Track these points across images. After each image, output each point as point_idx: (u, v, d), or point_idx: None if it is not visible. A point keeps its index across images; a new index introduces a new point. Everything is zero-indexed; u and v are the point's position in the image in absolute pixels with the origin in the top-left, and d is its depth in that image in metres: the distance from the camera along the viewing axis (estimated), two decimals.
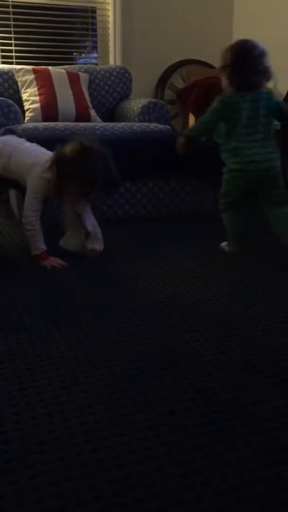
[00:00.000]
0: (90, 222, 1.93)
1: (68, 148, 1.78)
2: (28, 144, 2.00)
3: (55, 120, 2.93)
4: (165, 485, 0.80)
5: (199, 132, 2.00)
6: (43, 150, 1.95)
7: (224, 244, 2.05)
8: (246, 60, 1.87)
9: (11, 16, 3.53)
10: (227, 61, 1.91)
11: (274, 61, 3.89)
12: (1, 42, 3.52)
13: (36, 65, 3.23)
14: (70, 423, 0.95)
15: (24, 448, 0.88)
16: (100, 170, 1.76)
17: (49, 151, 1.90)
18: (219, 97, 1.93)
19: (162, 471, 0.83)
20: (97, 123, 2.86)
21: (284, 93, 3.55)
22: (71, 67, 3.32)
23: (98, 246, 1.94)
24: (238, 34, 4.18)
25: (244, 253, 1.98)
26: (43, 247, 1.83)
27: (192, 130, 2.04)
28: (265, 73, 1.90)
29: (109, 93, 3.36)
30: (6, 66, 3.16)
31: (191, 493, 0.79)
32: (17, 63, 3.46)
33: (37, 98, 2.98)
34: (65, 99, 3.03)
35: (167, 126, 2.95)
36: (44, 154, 1.89)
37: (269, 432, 0.93)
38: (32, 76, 3.03)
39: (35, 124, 2.70)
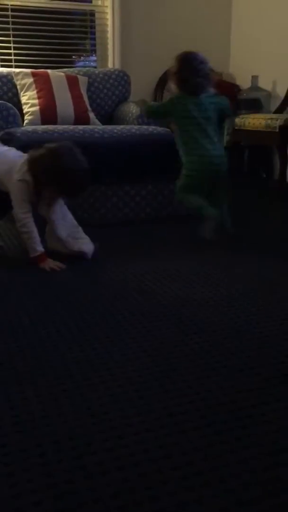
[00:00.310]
0: (66, 225, 1.93)
1: (37, 153, 1.82)
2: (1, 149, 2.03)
3: (54, 123, 2.94)
4: (165, 488, 0.80)
5: (154, 111, 2.40)
6: (16, 154, 1.97)
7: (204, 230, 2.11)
8: (190, 67, 2.20)
9: (10, 19, 3.53)
10: (174, 70, 2.26)
11: (272, 65, 3.90)
12: (0, 46, 3.53)
13: (35, 68, 3.23)
14: (69, 426, 0.95)
15: (23, 450, 0.88)
16: (73, 164, 1.78)
17: (23, 153, 1.92)
18: (169, 96, 2.32)
19: (162, 473, 0.83)
20: (96, 126, 2.87)
21: (283, 95, 3.56)
22: (70, 70, 3.33)
23: (86, 247, 1.92)
24: (236, 37, 4.20)
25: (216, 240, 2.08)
26: (40, 248, 1.83)
27: (150, 106, 2.45)
28: (207, 77, 2.22)
29: (108, 96, 3.36)
30: (5, 70, 3.16)
31: (191, 495, 0.79)
32: (16, 67, 3.46)
33: (36, 101, 2.98)
34: (64, 102, 3.03)
35: (166, 129, 2.95)
36: (18, 157, 1.91)
37: (268, 434, 0.93)
38: (31, 80, 3.03)
39: (34, 127, 2.71)
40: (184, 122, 2.18)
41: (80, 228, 1.96)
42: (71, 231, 1.93)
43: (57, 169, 1.78)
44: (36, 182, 1.81)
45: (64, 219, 1.94)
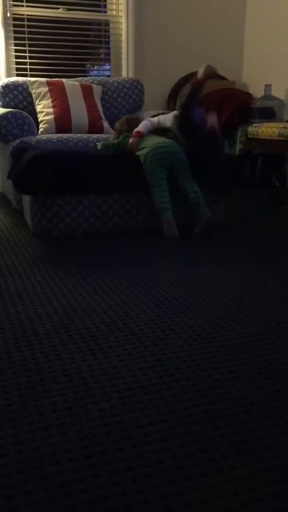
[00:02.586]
0: None
1: None
2: None
3: (69, 131, 2.97)
4: (179, 499, 0.80)
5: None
6: None
7: (165, 231, 2.39)
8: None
9: (25, 29, 3.59)
10: None
11: (285, 73, 3.90)
12: (16, 55, 3.58)
13: (50, 77, 3.28)
14: (83, 434, 0.95)
15: (37, 458, 0.89)
16: None
17: None
18: None
19: (175, 483, 0.83)
20: (110, 135, 2.89)
21: None
22: (85, 79, 3.37)
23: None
24: (249, 46, 4.21)
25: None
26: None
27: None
28: None
29: (121, 105, 3.40)
30: (21, 79, 3.21)
31: (205, 508, 0.79)
32: (32, 76, 3.52)
33: (51, 110, 3.02)
34: (78, 111, 3.07)
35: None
36: None
37: (283, 446, 0.93)
38: (46, 89, 3.07)
39: (48, 135, 2.74)
40: None
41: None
42: None
43: None
44: None
45: None
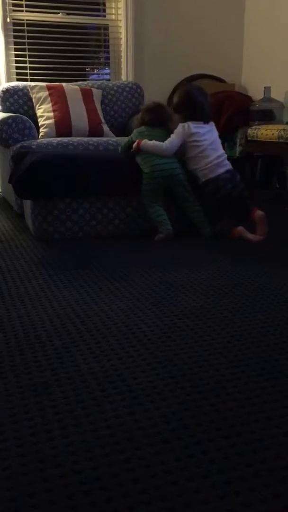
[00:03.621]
0: None
1: None
2: None
3: (69, 135, 2.98)
4: (180, 499, 0.81)
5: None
6: None
7: (157, 236, 2.43)
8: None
9: (25, 34, 3.61)
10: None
11: (285, 75, 3.91)
12: (16, 60, 3.60)
13: (50, 82, 3.29)
14: (86, 437, 0.96)
15: (40, 461, 0.90)
16: None
17: None
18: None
19: (177, 485, 0.84)
20: (110, 138, 2.90)
21: None
22: (84, 83, 3.38)
23: None
24: (248, 49, 4.23)
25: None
26: None
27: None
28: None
29: (121, 108, 3.41)
30: (21, 83, 3.23)
31: (207, 508, 0.79)
32: (32, 80, 3.53)
33: (51, 114, 3.03)
34: (79, 115, 3.08)
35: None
36: None
37: (284, 446, 0.93)
38: (46, 93, 3.09)
39: (49, 139, 2.75)
40: None
41: None
42: None
43: None
44: None
45: None
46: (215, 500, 0.81)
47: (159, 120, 2.56)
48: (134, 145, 2.50)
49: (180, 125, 2.51)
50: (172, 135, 2.51)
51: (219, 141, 2.57)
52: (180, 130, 2.49)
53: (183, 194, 2.48)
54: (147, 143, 2.48)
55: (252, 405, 1.06)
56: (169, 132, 2.53)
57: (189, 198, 2.48)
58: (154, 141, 2.48)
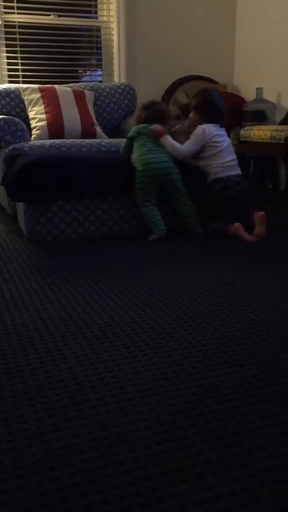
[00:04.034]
0: None
1: None
2: None
3: (61, 137, 2.98)
4: (176, 501, 0.80)
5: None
6: None
7: (151, 237, 2.42)
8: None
9: (17, 36, 3.61)
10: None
11: (276, 76, 3.93)
12: (8, 62, 3.59)
13: (42, 84, 3.29)
14: (80, 439, 0.95)
15: (34, 464, 0.89)
16: None
17: None
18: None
19: (172, 487, 0.84)
20: (102, 140, 2.90)
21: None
22: (77, 85, 3.38)
23: None
24: (240, 50, 4.24)
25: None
26: None
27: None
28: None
29: (114, 110, 3.41)
30: (13, 85, 3.22)
31: (202, 509, 0.79)
32: (24, 82, 3.53)
33: (43, 116, 3.03)
34: (71, 117, 3.08)
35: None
36: None
37: (279, 446, 0.93)
38: (38, 95, 3.08)
39: (41, 141, 2.75)
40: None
41: None
42: None
43: None
44: None
45: None
46: (210, 501, 0.81)
47: (155, 116, 2.57)
48: (156, 130, 2.50)
49: (200, 128, 2.53)
50: (191, 137, 2.54)
51: (232, 146, 2.63)
52: (200, 133, 2.53)
53: (175, 194, 2.48)
54: (168, 140, 2.50)
55: (247, 406, 1.06)
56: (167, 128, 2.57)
57: (181, 198, 2.48)
58: (174, 141, 2.51)
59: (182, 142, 2.56)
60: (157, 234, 2.43)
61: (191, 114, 2.64)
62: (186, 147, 2.53)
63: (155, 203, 2.48)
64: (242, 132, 3.47)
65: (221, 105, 2.63)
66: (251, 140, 3.38)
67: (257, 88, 3.79)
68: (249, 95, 4.00)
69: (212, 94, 2.64)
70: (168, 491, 0.83)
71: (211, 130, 2.54)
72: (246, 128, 3.46)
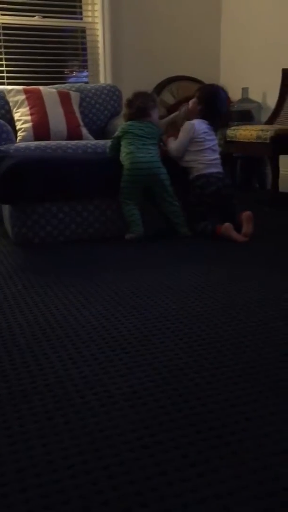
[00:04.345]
0: None
1: None
2: None
3: (47, 138, 2.96)
4: (160, 504, 0.80)
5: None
6: None
7: (128, 235, 2.43)
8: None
9: (1, 37, 3.58)
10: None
11: (262, 76, 3.95)
12: None
13: (27, 85, 3.26)
14: (65, 445, 0.95)
15: (19, 471, 0.88)
16: None
17: None
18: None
19: (156, 490, 0.83)
20: (89, 141, 2.89)
21: (273, 106, 3.60)
22: (62, 86, 3.36)
23: None
24: (226, 50, 4.26)
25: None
26: None
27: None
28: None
29: (100, 111, 3.40)
30: None
31: (185, 511, 0.79)
32: (9, 84, 3.50)
33: (28, 117, 3.01)
34: (57, 118, 3.06)
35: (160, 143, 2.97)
36: None
37: (264, 447, 0.93)
38: (23, 96, 3.06)
39: (27, 143, 2.73)
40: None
41: None
42: None
43: None
44: None
45: None
46: (195, 504, 0.80)
47: (138, 113, 2.54)
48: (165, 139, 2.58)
49: (189, 123, 2.55)
50: (179, 134, 2.54)
51: (218, 147, 2.65)
52: (189, 128, 2.54)
53: (162, 194, 2.47)
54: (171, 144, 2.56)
55: (232, 407, 1.06)
56: (153, 123, 2.55)
57: (167, 198, 2.48)
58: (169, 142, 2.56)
59: (171, 135, 2.57)
60: (134, 234, 2.42)
61: (192, 102, 2.63)
62: (175, 145, 2.54)
63: (137, 203, 2.47)
64: (228, 132, 3.47)
65: (223, 109, 2.65)
66: (237, 140, 3.39)
67: (242, 88, 3.81)
68: (235, 95, 4.01)
69: (219, 95, 2.64)
70: (153, 495, 0.82)
71: (201, 126, 2.55)
72: (232, 128, 3.47)
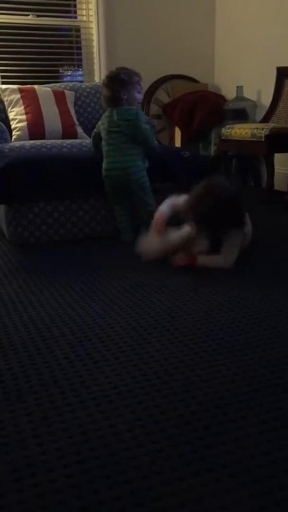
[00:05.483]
0: None
1: None
2: None
3: (42, 138, 2.95)
4: (156, 504, 0.80)
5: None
6: None
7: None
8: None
9: None
10: None
11: (256, 75, 3.95)
12: None
13: (22, 84, 3.25)
14: (60, 445, 0.94)
15: (14, 471, 0.88)
16: None
17: None
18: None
19: (153, 490, 0.83)
20: (83, 140, 2.89)
21: (268, 105, 3.60)
22: (57, 85, 3.35)
23: None
24: (220, 49, 4.25)
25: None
26: None
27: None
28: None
29: (95, 110, 3.39)
30: None
31: (181, 511, 0.78)
32: (3, 83, 3.49)
33: (23, 117, 3.00)
34: (52, 117, 3.05)
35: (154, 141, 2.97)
36: None
37: (260, 446, 0.93)
38: (18, 96, 3.05)
39: (22, 142, 2.72)
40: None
41: None
42: None
43: None
44: None
45: None
46: (191, 503, 0.80)
47: (106, 103, 2.36)
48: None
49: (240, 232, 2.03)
50: (230, 247, 1.98)
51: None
52: (240, 237, 2.02)
53: (137, 200, 2.40)
54: (204, 260, 1.98)
55: (227, 405, 1.06)
56: (126, 107, 2.32)
57: (142, 203, 2.39)
58: (212, 258, 1.99)
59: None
60: (125, 240, 2.41)
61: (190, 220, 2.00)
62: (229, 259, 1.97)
63: (125, 206, 2.43)
64: (223, 130, 3.48)
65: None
66: (232, 138, 3.40)
67: (237, 87, 3.81)
68: (229, 94, 4.01)
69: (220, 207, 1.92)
70: (149, 494, 0.82)
71: None
72: (227, 126, 3.47)
